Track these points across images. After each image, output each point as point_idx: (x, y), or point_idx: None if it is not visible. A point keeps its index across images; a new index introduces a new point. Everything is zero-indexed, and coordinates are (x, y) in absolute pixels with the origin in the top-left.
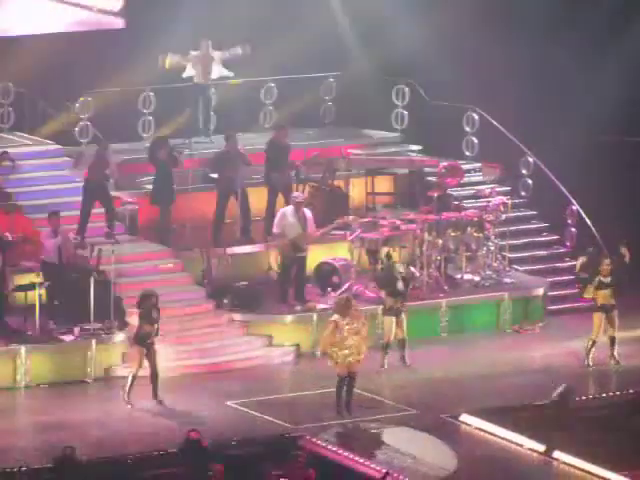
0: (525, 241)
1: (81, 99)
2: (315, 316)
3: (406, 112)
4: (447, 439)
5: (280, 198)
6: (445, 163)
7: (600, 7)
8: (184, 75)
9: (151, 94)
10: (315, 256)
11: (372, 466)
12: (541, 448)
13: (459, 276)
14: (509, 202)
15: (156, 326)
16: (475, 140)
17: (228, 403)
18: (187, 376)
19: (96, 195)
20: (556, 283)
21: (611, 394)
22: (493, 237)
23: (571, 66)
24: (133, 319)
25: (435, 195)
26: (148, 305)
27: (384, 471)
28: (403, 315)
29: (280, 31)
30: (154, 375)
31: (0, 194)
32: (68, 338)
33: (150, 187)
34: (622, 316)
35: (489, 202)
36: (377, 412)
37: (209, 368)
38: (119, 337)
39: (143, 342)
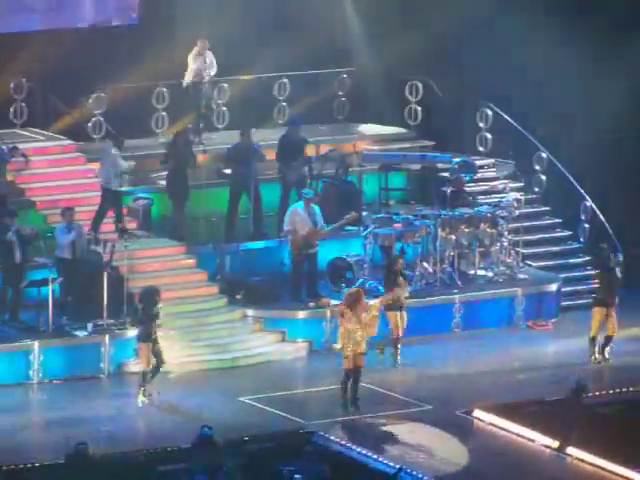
0: (538, 237)
1: (94, 95)
2: (328, 312)
3: (419, 108)
4: (460, 435)
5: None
6: (458, 159)
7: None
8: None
9: (164, 90)
10: (328, 252)
11: (385, 462)
12: (554, 444)
13: (472, 272)
14: (522, 198)
15: (158, 322)
16: (489, 136)
17: (241, 399)
18: (200, 372)
19: (113, 203)
20: (569, 279)
21: (625, 390)
22: (506, 233)
23: (588, 64)
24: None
25: (449, 190)
26: (150, 301)
27: (397, 467)
28: (405, 313)
29: (294, 27)
30: (156, 369)
31: (14, 189)
32: (81, 334)
33: (164, 183)
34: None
35: (503, 198)
36: (390, 408)
37: (222, 364)
38: (132, 333)
39: (148, 338)
